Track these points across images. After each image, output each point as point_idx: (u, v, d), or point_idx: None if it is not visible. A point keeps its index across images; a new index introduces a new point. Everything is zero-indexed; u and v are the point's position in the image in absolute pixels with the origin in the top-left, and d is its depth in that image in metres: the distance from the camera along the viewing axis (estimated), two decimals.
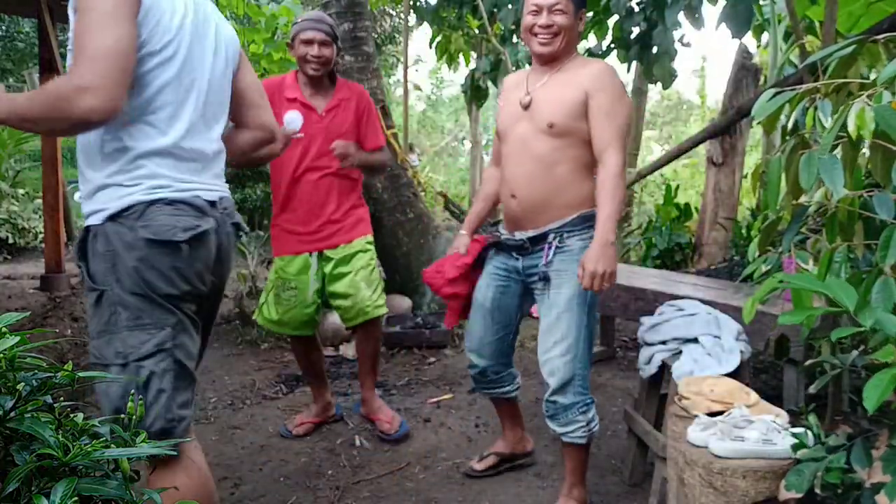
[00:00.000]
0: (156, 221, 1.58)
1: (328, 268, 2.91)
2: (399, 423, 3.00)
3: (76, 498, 0.86)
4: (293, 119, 2.78)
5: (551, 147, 2.26)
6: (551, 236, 2.28)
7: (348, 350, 4.19)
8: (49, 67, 5.31)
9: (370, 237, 3.01)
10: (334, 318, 4.33)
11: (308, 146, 2.83)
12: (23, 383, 0.98)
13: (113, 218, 1.57)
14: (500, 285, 2.43)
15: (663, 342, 2.46)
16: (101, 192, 1.59)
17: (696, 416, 1.91)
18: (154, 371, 1.57)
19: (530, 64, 2.44)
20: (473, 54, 8.64)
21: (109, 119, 1.47)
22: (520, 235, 2.34)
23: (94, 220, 1.60)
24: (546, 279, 2.28)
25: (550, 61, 2.32)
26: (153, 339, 1.58)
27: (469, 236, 2.54)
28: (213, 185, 1.73)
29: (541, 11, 2.25)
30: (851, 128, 1.35)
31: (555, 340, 2.26)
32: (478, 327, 2.48)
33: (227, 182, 1.84)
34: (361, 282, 2.90)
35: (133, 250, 1.56)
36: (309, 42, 2.78)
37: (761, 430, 1.77)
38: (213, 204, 1.71)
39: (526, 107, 2.32)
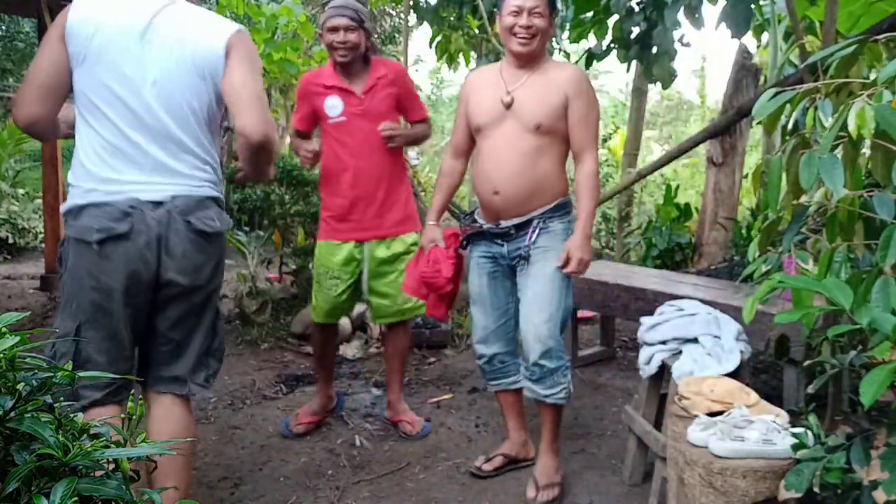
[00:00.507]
0: (79, 222, 1.78)
1: (373, 263, 2.89)
2: (422, 426, 3.03)
3: (76, 498, 0.86)
4: (333, 104, 2.85)
5: (537, 145, 2.46)
6: (535, 221, 2.49)
7: (348, 350, 4.19)
8: None
9: (414, 235, 2.91)
10: None
11: (351, 129, 2.84)
12: (23, 383, 0.98)
13: (65, 217, 1.84)
14: (489, 272, 2.59)
15: (663, 342, 2.46)
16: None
17: (696, 416, 1.91)
18: (59, 350, 1.78)
19: None
20: (473, 54, 8.63)
21: (30, 127, 1.80)
22: (505, 224, 2.52)
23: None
24: (527, 257, 2.49)
25: (528, 61, 2.49)
26: (65, 321, 1.80)
27: (437, 226, 2.71)
28: (162, 184, 1.82)
29: (521, 13, 2.42)
30: (852, 127, 1.35)
31: (540, 308, 2.45)
32: (480, 317, 2.64)
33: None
34: (397, 282, 2.87)
35: (70, 246, 1.80)
36: (334, 29, 2.78)
37: (761, 430, 1.77)
38: (158, 204, 1.80)
39: (508, 105, 2.48)
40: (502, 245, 2.54)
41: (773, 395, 2.61)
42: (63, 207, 1.85)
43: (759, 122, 1.65)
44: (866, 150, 1.52)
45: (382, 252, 2.88)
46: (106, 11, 1.80)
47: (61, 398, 1.04)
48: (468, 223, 2.64)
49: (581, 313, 4.10)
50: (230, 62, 1.85)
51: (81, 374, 1.07)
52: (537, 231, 2.48)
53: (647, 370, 2.48)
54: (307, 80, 2.99)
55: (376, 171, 2.85)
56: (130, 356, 1.90)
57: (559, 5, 2.61)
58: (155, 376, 1.93)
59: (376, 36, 10.52)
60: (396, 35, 12.53)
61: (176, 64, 1.83)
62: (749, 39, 6.97)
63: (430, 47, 8.01)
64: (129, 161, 1.81)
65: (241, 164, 1.99)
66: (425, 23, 7.33)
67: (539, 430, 2.60)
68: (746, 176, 6.06)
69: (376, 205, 2.86)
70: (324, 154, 2.94)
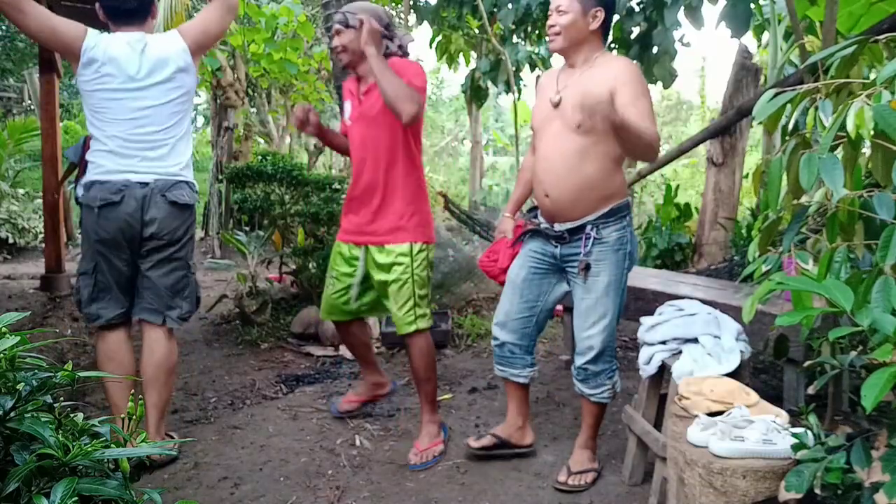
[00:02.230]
0: (90, 193, 2.59)
1: (370, 267, 2.85)
2: (430, 457, 2.78)
3: (76, 498, 0.86)
4: (346, 109, 2.93)
5: (580, 145, 2.40)
6: (588, 227, 2.45)
7: (348, 350, 4.19)
8: (49, 67, 5.30)
9: (405, 246, 2.76)
10: None
11: (353, 133, 2.86)
12: (23, 383, 0.98)
13: (83, 188, 2.73)
14: (534, 267, 2.61)
15: (663, 342, 2.46)
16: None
17: (696, 416, 1.91)
18: (81, 284, 2.68)
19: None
20: (473, 54, 8.64)
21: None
22: (559, 227, 2.51)
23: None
24: (587, 268, 2.46)
25: (572, 58, 2.48)
26: (84, 265, 2.68)
27: (511, 218, 2.77)
28: (147, 171, 2.60)
29: (552, 12, 2.44)
30: (850, 127, 1.35)
31: (593, 321, 2.49)
32: (506, 302, 2.66)
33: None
34: (392, 297, 2.80)
35: (83, 210, 2.70)
36: (336, 33, 2.79)
37: (761, 430, 1.77)
38: (144, 184, 2.59)
39: (556, 105, 2.47)
40: (556, 247, 2.54)
41: (773, 395, 2.61)
42: (85, 178, 2.68)
43: (760, 123, 1.65)
44: (866, 150, 1.52)
45: (382, 258, 2.81)
46: (110, 44, 2.59)
47: (61, 398, 1.04)
48: (529, 218, 2.68)
49: None
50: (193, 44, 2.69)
51: (81, 374, 1.07)
52: (591, 240, 2.44)
53: (647, 370, 2.48)
54: (345, 84, 3.01)
55: (372, 176, 2.79)
56: (131, 287, 2.71)
57: None
58: (139, 307, 2.70)
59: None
60: None
61: (160, 81, 2.63)
62: (749, 39, 6.98)
63: (430, 47, 8.01)
64: (127, 155, 2.60)
65: None
66: (425, 23, 7.33)
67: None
68: (746, 176, 6.06)
69: (371, 210, 2.81)
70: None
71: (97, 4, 2.68)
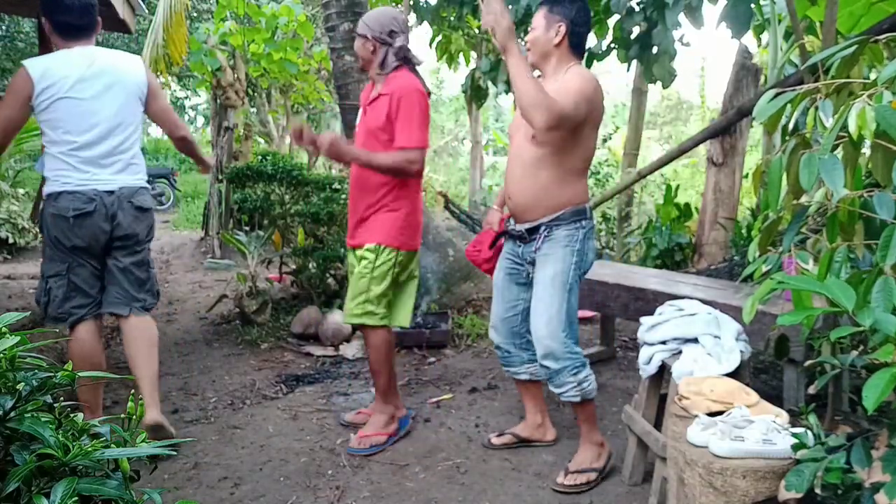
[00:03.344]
0: (59, 203, 2.71)
1: (350, 268, 3.03)
2: (369, 445, 2.86)
3: (76, 498, 0.86)
4: (358, 115, 3.02)
5: (535, 155, 2.53)
6: (542, 228, 2.57)
7: (348, 350, 4.19)
8: None
9: (372, 245, 2.85)
10: (335, 318, 4.33)
11: (355, 141, 2.96)
12: (23, 383, 0.98)
13: (46, 199, 2.78)
14: (508, 268, 2.74)
15: (663, 342, 2.46)
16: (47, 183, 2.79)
17: (696, 416, 1.91)
18: (53, 286, 2.80)
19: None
20: (473, 54, 8.64)
21: None
22: (519, 227, 2.65)
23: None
24: (533, 262, 2.61)
25: (542, 71, 2.59)
26: (55, 268, 2.79)
27: (499, 210, 2.86)
28: (111, 180, 2.79)
29: None
30: (852, 128, 1.35)
31: (539, 312, 2.55)
32: (495, 306, 2.81)
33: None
34: (349, 286, 2.93)
35: (50, 219, 2.74)
36: (357, 37, 2.92)
37: (761, 430, 1.77)
38: (111, 192, 2.77)
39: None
40: (520, 246, 2.67)
41: (773, 395, 2.62)
42: (48, 189, 2.76)
43: (759, 123, 1.65)
44: (866, 150, 1.52)
45: (358, 255, 2.94)
46: (64, 66, 2.72)
47: (61, 398, 1.04)
48: (507, 221, 2.80)
49: (581, 313, 4.08)
50: (151, 93, 2.91)
51: (81, 374, 1.07)
52: (542, 238, 2.56)
53: (647, 370, 2.48)
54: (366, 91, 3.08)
55: (361, 185, 2.91)
56: (101, 285, 2.88)
57: (563, 11, 2.54)
58: (108, 302, 2.88)
59: None
60: None
61: (124, 99, 2.82)
62: (749, 39, 6.98)
63: (430, 47, 8.01)
64: (94, 165, 2.77)
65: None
66: (425, 23, 7.32)
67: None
68: (746, 176, 6.06)
69: (357, 216, 2.94)
70: None
71: (46, 21, 2.78)
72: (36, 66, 2.68)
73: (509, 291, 2.74)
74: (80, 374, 1.07)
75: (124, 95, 2.80)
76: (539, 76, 2.56)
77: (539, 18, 2.56)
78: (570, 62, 2.56)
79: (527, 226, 2.60)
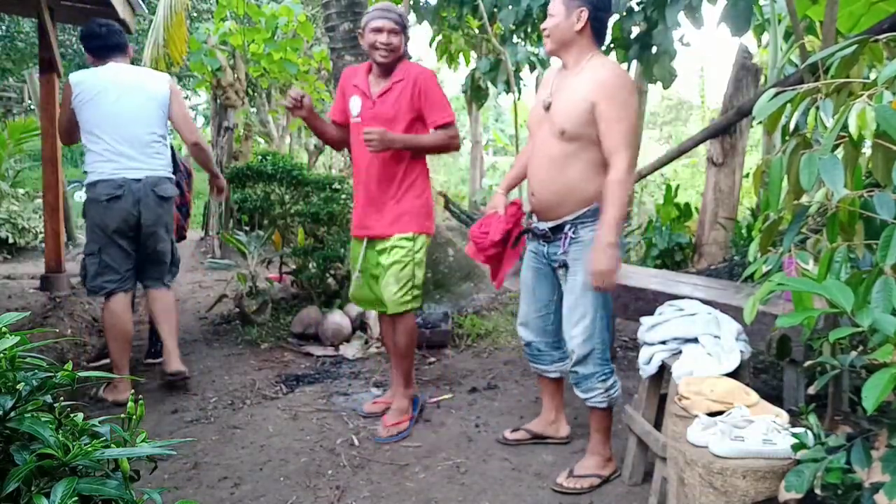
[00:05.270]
0: (96, 190, 3.27)
1: (371, 258, 3.07)
2: (397, 433, 2.98)
3: (76, 498, 0.86)
4: (354, 105, 3.01)
5: (564, 151, 2.45)
6: (567, 227, 2.50)
7: (348, 350, 4.19)
8: (49, 67, 5.29)
9: (408, 234, 2.95)
10: (335, 318, 4.33)
11: (362, 131, 2.94)
12: (23, 383, 0.98)
13: (87, 188, 3.34)
14: (535, 267, 2.69)
15: (663, 342, 2.46)
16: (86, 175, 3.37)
17: (696, 416, 1.91)
18: (88, 262, 3.39)
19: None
20: (473, 54, 8.64)
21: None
22: (542, 226, 2.58)
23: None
24: (565, 266, 2.53)
25: (562, 60, 2.51)
26: (91, 248, 3.36)
27: (504, 195, 2.79)
28: (138, 168, 3.30)
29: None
30: (853, 128, 1.34)
31: (574, 321, 2.51)
32: (524, 304, 2.78)
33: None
34: (391, 276, 2.95)
35: (90, 205, 3.33)
36: (378, 30, 2.89)
37: (761, 430, 1.77)
38: (138, 180, 3.29)
39: (547, 108, 2.52)
40: (544, 245, 2.61)
41: (773, 395, 2.61)
42: (87, 179, 3.33)
43: (759, 123, 1.65)
44: (866, 150, 1.52)
45: (377, 245, 3.02)
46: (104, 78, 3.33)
47: (61, 398, 1.04)
48: (527, 220, 2.76)
49: None
50: (173, 98, 3.46)
51: (81, 373, 1.07)
52: (568, 240, 2.50)
53: (647, 370, 2.48)
54: (346, 74, 3.12)
55: (379, 174, 2.95)
56: (132, 264, 3.40)
57: None
58: (145, 277, 3.50)
59: None
60: None
61: (144, 102, 3.36)
62: (749, 39, 6.98)
63: (430, 47, 8.01)
64: (123, 156, 3.30)
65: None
66: (425, 23, 7.33)
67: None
68: (746, 176, 6.06)
69: (377, 205, 2.97)
70: (351, 152, 3.11)
71: (84, 47, 3.46)
72: (74, 77, 3.32)
73: (541, 290, 2.69)
74: (79, 373, 1.07)
75: (144, 99, 3.35)
76: (570, 70, 2.48)
77: (557, 4, 2.43)
78: (591, 51, 2.45)
79: (550, 224, 2.54)
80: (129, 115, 3.31)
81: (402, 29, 2.92)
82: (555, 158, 2.46)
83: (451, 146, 3.02)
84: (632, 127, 2.36)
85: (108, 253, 3.31)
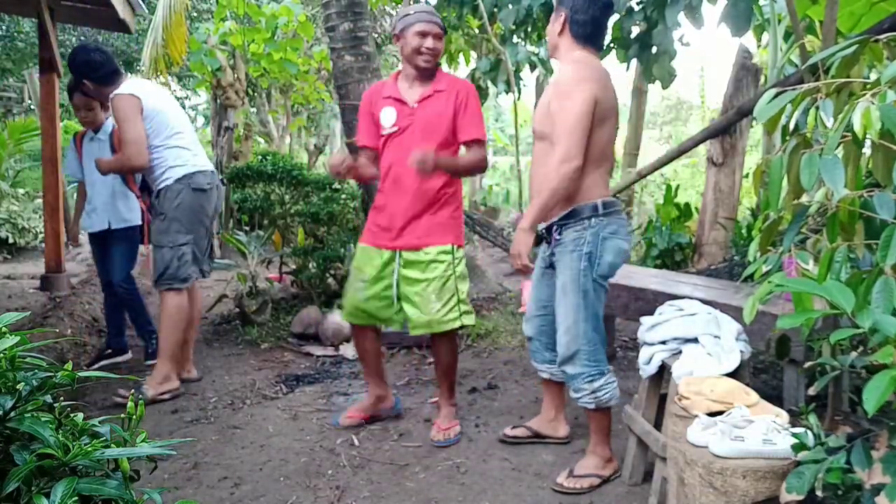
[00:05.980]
0: (196, 179, 3.44)
1: (402, 271, 2.91)
2: (454, 435, 2.96)
3: (76, 498, 0.86)
4: (386, 116, 2.91)
5: (541, 150, 2.56)
6: (553, 228, 2.56)
7: (348, 350, 4.19)
8: (49, 67, 5.30)
9: (447, 247, 2.88)
10: (335, 318, 4.33)
11: (402, 139, 2.87)
12: (23, 383, 0.98)
13: (178, 180, 3.42)
14: (541, 268, 2.75)
15: (663, 342, 2.46)
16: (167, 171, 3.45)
17: (696, 416, 1.91)
18: (181, 253, 3.41)
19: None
20: (473, 54, 8.63)
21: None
22: (540, 227, 2.62)
23: (165, 184, 3.42)
24: (553, 266, 2.60)
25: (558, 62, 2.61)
26: (183, 238, 3.42)
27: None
28: (208, 164, 3.57)
29: None
30: (857, 127, 1.34)
31: (559, 321, 2.55)
32: (530, 300, 2.84)
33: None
34: (432, 293, 2.85)
35: (189, 195, 3.42)
36: (424, 34, 2.81)
37: (761, 430, 1.77)
38: (213, 171, 3.57)
39: None
40: (546, 246, 2.67)
41: (773, 395, 2.62)
42: (180, 173, 3.40)
43: (760, 123, 1.65)
44: (866, 150, 1.52)
45: (411, 257, 2.88)
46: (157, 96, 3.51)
47: (61, 398, 1.04)
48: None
49: None
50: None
51: (81, 373, 1.07)
52: (555, 241, 2.55)
53: (647, 370, 2.48)
54: (369, 93, 3.04)
55: (415, 183, 2.83)
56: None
57: (563, 9, 2.55)
58: (206, 268, 3.66)
59: (377, 35, 10.52)
60: None
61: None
62: (749, 39, 6.97)
63: None
64: (200, 152, 3.57)
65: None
66: None
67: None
68: (746, 176, 6.06)
69: (410, 215, 2.87)
70: (381, 159, 2.97)
71: (89, 82, 3.47)
72: (133, 90, 3.36)
73: (541, 290, 2.74)
74: (80, 373, 1.07)
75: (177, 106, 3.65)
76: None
77: (553, 14, 2.60)
78: (573, 51, 2.53)
79: (543, 225, 2.59)
80: (182, 121, 3.53)
81: (444, 34, 2.89)
82: (539, 160, 2.56)
83: (482, 166, 2.99)
84: (575, 116, 2.37)
85: (197, 243, 3.47)
